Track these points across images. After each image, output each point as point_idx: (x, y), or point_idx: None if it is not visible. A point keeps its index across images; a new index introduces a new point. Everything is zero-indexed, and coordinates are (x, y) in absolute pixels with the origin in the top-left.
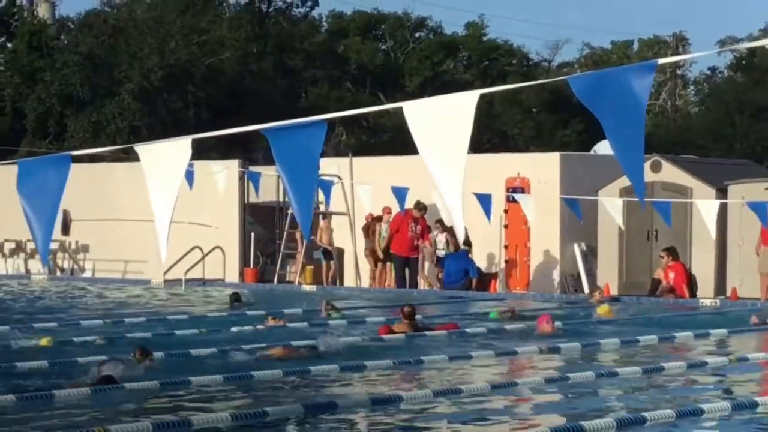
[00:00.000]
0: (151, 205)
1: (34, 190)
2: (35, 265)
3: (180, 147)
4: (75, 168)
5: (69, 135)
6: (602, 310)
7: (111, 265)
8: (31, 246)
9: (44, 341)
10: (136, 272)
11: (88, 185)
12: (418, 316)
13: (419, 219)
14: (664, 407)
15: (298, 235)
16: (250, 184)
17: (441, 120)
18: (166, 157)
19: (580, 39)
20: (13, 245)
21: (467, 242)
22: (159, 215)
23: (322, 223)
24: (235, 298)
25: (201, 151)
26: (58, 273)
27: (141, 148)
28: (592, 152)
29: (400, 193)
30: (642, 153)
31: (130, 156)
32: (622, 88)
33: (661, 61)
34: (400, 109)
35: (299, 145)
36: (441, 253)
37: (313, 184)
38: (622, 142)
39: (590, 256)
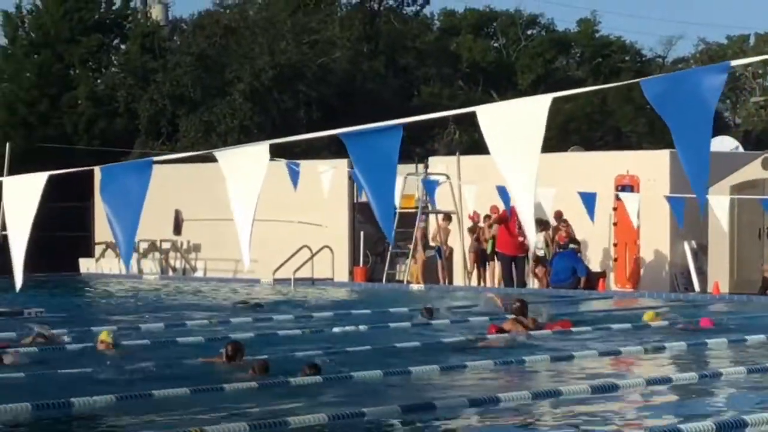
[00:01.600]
0: (233, 210)
1: (117, 195)
2: (147, 265)
3: (258, 152)
4: (186, 168)
5: (181, 135)
6: (648, 316)
7: (222, 265)
8: (143, 246)
9: (104, 336)
10: (247, 272)
11: (200, 185)
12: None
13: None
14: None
15: (419, 234)
16: None
17: (514, 124)
18: (245, 161)
19: (694, 34)
20: None
21: (574, 240)
22: (240, 219)
23: (441, 222)
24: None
25: (311, 151)
26: (170, 273)
27: (220, 153)
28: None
29: (505, 193)
30: (707, 155)
31: None
32: (692, 90)
33: (734, 62)
34: None
35: (376, 148)
36: (540, 252)
37: (391, 187)
38: (687, 143)
39: (700, 254)
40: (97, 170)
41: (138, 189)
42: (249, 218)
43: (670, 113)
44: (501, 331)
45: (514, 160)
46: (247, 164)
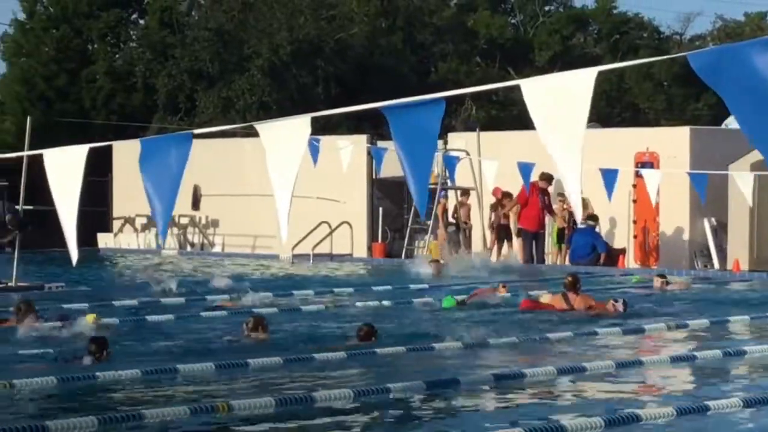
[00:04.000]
0: (271, 183)
1: (157, 168)
2: (166, 240)
3: (300, 125)
4: (204, 143)
5: (199, 111)
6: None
7: (240, 240)
8: None
9: (90, 318)
10: (265, 247)
11: (218, 160)
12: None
13: (547, 191)
14: None
15: (440, 210)
16: None
17: (559, 98)
18: (285, 135)
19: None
20: (144, 220)
21: (593, 217)
22: (279, 193)
23: (460, 198)
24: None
25: (329, 127)
26: (188, 248)
27: (261, 126)
28: (723, 126)
29: (525, 169)
30: None
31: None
32: (745, 64)
33: None
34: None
35: (417, 122)
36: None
37: (429, 162)
38: (746, 117)
39: (720, 231)
40: (134, 144)
41: (177, 162)
42: (288, 191)
43: (723, 87)
44: (536, 306)
45: (559, 134)
46: (288, 137)
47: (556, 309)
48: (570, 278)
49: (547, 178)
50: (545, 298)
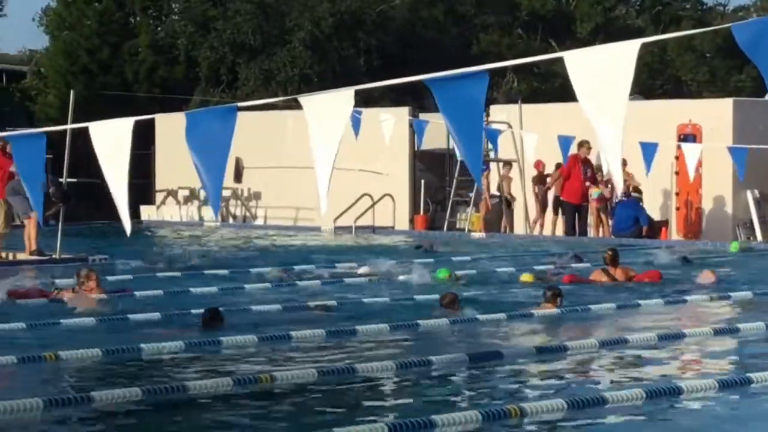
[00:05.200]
0: (313, 154)
1: (203, 141)
2: (208, 212)
3: (343, 98)
4: (247, 116)
5: (240, 83)
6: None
7: (283, 213)
8: (204, 193)
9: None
10: (307, 219)
11: (260, 133)
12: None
13: (589, 161)
14: None
15: (483, 183)
16: None
17: (602, 70)
18: (329, 107)
19: None
20: (186, 192)
21: (637, 189)
22: (320, 165)
23: (502, 170)
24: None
25: (371, 99)
26: (231, 220)
27: (305, 99)
28: (767, 98)
29: (565, 142)
30: None
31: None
32: None
33: None
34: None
35: (463, 94)
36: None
37: (480, 132)
38: None
39: (764, 203)
40: (179, 116)
41: (223, 135)
42: (329, 164)
43: (762, 58)
44: (579, 280)
45: (601, 105)
46: (331, 110)
47: (598, 283)
48: (609, 252)
49: (586, 145)
50: (592, 274)
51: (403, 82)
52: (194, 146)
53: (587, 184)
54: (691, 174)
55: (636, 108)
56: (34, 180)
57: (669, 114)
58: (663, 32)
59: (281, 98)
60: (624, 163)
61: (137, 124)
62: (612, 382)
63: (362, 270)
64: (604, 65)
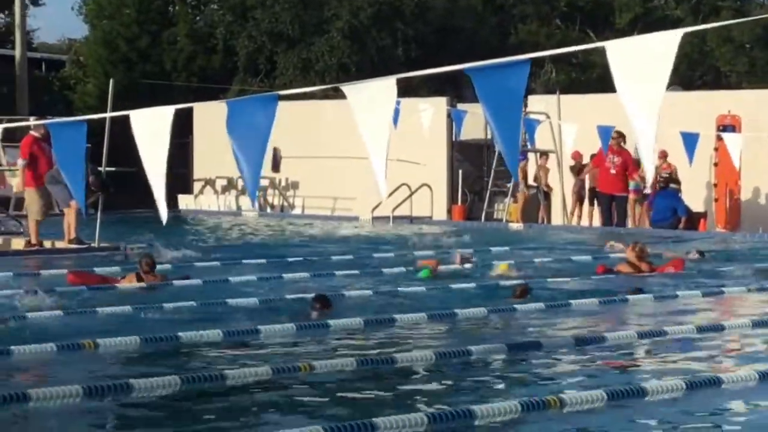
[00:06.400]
0: (365, 144)
1: (244, 130)
2: (246, 202)
3: (386, 86)
4: (284, 105)
5: (279, 72)
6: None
7: (320, 202)
8: (242, 183)
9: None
10: (345, 209)
11: (298, 123)
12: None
13: (618, 150)
14: None
15: (520, 173)
16: None
17: (643, 60)
18: (373, 96)
19: None
20: (224, 182)
21: (675, 180)
22: (373, 154)
23: (540, 161)
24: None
25: (410, 89)
26: (269, 210)
27: (348, 88)
28: None
29: (604, 133)
30: None
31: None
32: None
33: None
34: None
35: (503, 84)
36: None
37: (518, 122)
38: None
39: None
40: (217, 105)
41: (264, 123)
42: (382, 152)
43: None
44: (609, 272)
45: (639, 95)
46: (375, 99)
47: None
48: (639, 248)
49: (618, 135)
50: (619, 266)
51: (443, 71)
52: (235, 135)
53: (613, 172)
54: (736, 163)
55: (675, 99)
56: (73, 168)
57: (708, 105)
58: (702, 23)
59: (322, 87)
60: (665, 154)
61: (175, 113)
62: (652, 373)
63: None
64: (644, 55)
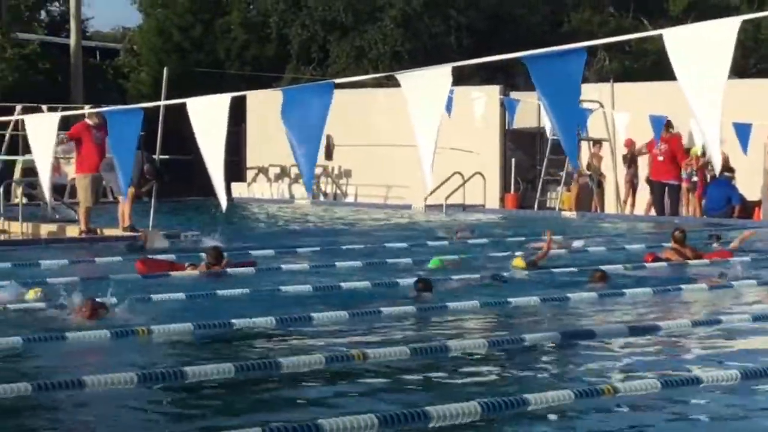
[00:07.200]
0: (414, 132)
1: (299, 118)
2: (299, 190)
3: (441, 75)
4: (338, 93)
5: (332, 61)
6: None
7: (373, 190)
8: (295, 171)
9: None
10: (398, 197)
11: (351, 111)
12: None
13: (667, 137)
14: None
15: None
16: None
17: (701, 47)
18: (427, 85)
19: None
20: (277, 170)
21: (729, 168)
22: (422, 143)
23: (593, 149)
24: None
25: (462, 78)
26: (321, 198)
27: (402, 76)
28: None
29: (656, 122)
30: None
31: (392, 82)
32: None
33: None
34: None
35: (559, 72)
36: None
37: (575, 110)
38: None
39: None
40: (270, 93)
41: (319, 111)
42: (431, 141)
43: None
44: (658, 259)
45: (700, 83)
46: (429, 87)
47: (673, 261)
48: (679, 233)
49: (667, 125)
50: (665, 253)
51: (500, 59)
52: (290, 123)
53: (661, 159)
54: None
55: (729, 86)
56: (126, 156)
57: (763, 93)
58: (757, 10)
59: (377, 75)
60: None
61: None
62: (706, 361)
63: (576, 244)
64: (703, 43)
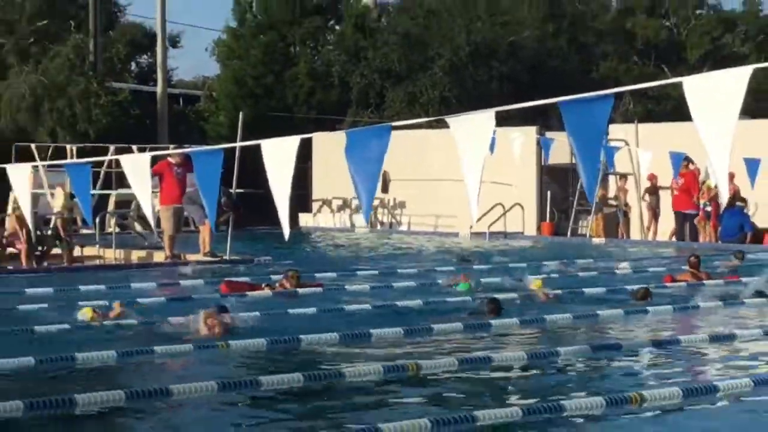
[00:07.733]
0: (462, 168)
1: (360, 156)
2: (359, 220)
3: (485, 118)
4: (393, 134)
5: (387, 105)
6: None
7: (424, 220)
8: (355, 203)
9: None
10: (447, 226)
11: (406, 149)
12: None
13: (684, 172)
14: None
15: (600, 193)
16: None
17: (715, 93)
18: (473, 126)
19: None
20: (340, 202)
21: (742, 199)
22: (468, 177)
23: (619, 182)
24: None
25: (503, 119)
26: (379, 227)
27: (451, 120)
28: None
29: (676, 158)
30: None
31: (441, 124)
32: None
33: None
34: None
35: (587, 116)
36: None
37: (598, 151)
38: None
39: None
40: (336, 134)
41: (378, 150)
42: (477, 176)
43: None
44: (675, 281)
45: (713, 124)
46: (475, 129)
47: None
48: (694, 258)
49: (686, 159)
50: (683, 276)
51: (537, 104)
52: (352, 160)
53: (675, 193)
54: None
55: (743, 126)
56: (211, 190)
57: None
58: (766, 60)
59: (430, 119)
60: (732, 176)
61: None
62: (722, 372)
63: (622, 266)
64: (718, 89)
